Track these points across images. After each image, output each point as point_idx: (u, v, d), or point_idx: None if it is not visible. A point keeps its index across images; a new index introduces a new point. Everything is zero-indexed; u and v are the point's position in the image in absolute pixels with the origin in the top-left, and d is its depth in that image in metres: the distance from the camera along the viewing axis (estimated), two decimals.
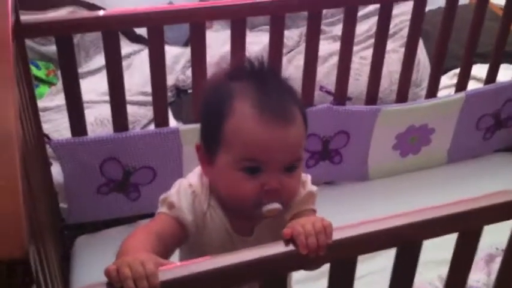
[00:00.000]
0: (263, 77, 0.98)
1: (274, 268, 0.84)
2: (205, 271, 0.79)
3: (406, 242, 0.90)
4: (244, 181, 0.94)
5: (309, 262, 0.84)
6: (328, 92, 1.79)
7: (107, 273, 0.77)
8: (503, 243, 1.57)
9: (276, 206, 0.94)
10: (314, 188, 1.06)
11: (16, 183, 0.70)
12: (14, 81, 0.87)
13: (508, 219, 0.95)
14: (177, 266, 0.80)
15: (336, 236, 0.84)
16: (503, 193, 0.93)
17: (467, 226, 0.92)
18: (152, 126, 1.85)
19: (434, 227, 0.89)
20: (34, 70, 1.93)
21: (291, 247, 0.83)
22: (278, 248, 0.83)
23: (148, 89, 1.93)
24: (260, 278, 0.85)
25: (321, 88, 1.81)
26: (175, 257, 1.06)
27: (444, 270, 1.53)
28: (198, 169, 1.05)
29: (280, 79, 1.01)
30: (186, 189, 1.02)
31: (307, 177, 1.06)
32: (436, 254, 1.22)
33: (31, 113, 1.36)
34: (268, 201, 0.94)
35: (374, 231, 0.86)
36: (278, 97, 0.95)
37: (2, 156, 0.73)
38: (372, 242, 0.87)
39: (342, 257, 0.87)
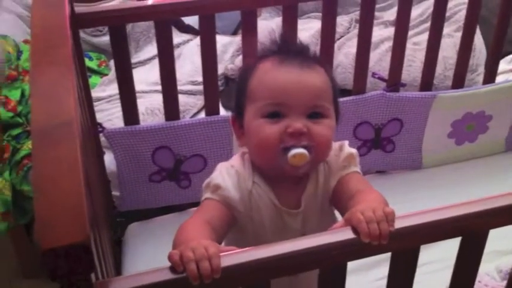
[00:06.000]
0: (287, 48, 1.04)
1: (335, 256, 0.82)
2: (265, 258, 0.78)
3: (471, 231, 0.86)
4: (267, 125, 0.96)
5: (370, 251, 0.82)
6: (381, 79, 1.75)
7: (170, 257, 0.77)
8: None
9: (300, 150, 0.94)
10: (353, 149, 1.05)
11: (77, 171, 0.70)
12: (73, 70, 0.87)
13: None
14: (237, 252, 0.79)
15: (399, 224, 0.81)
16: None
17: None
18: (201, 115, 1.85)
19: (503, 216, 0.85)
20: (86, 61, 1.95)
21: (351, 235, 0.81)
22: (339, 236, 0.81)
23: (198, 78, 1.94)
24: (320, 266, 0.83)
25: (374, 74, 1.77)
26: None
27: (503, 261, 1.50)
28: (238, 153, 1.07)
29: (304, 47, 1.06)
30: (229, 169, 1.02)
31: (344, 142, 1.07)
32: (496, 245, 1.18)
33: (85, 103, 1.37)
34: (292, 147, 0.94)
35: (439, 219, 0.82)
36: (298, 54, 1.02)
37: (64, 144, 0.73)
38: (436, 232, 0.83)
39: (404, 246, 0.84)
